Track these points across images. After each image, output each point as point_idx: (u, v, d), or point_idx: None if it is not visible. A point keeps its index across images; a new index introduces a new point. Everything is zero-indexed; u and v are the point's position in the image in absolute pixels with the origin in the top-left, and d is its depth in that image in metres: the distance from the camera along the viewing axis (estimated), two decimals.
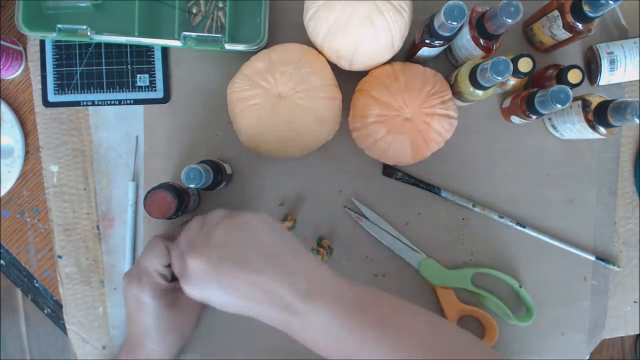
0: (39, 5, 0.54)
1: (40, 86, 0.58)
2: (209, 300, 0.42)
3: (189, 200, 0.53)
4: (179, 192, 0.51)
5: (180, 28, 0.54)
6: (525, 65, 0.51)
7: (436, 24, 0.47)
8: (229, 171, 0.56)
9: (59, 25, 0.53)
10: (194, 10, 0.54)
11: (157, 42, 0.54)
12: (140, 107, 0.59)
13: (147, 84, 0.58)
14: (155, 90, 0.58)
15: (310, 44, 0.53)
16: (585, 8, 0.48)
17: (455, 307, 0.58)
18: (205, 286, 0.41)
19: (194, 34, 0.53)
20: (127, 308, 0.52)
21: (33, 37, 0.56)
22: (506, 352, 0.59)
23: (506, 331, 0.59)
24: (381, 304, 0.42)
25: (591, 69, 0.59)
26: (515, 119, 0.57)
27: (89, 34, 0.53)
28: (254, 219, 0.43)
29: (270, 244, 0.42)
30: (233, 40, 0.54)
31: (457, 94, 0.53)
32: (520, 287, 0.58)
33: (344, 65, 0.53)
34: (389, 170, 0.59)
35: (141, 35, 0.54)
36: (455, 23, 0.44)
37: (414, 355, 0.40)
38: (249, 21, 0.55)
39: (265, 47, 0.54)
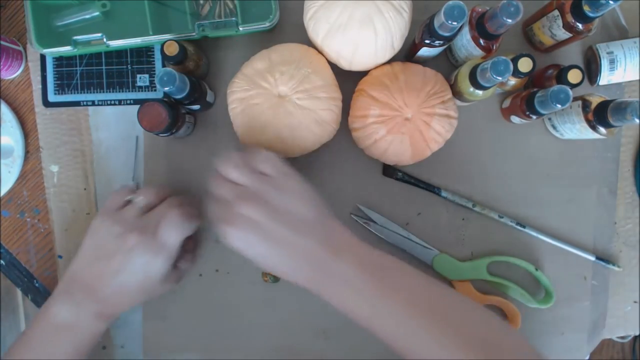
0: (49, 23, 0.54)
1: (40, 86, 0.58)
2: (248, 249, 0.44)
3: (182, 124, 0.53)
4: (175, 113, 0.51)
5: (192, 19, 0.54)
6: (525, 65, 0.51)
7: (436, 24, 0.47)
8: (210, 99, 0.56)
9: (75, 37, 0.53)
10: (202, 0, 0.54)
11: (173, 37, 0.54)
12: None
13: (147, 84, 0.58)
14: (155, 90, 0.58)
15: (310, 44, 0.53)
16: (585, 8, 0.48)
17: (475, 299, 0.58)
18: (251, 235, 0.43)
19: (207, 22, 0.53)
20: (120, 261, 0.48)
21: (49, 55, 0.55)
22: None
23: None
24: (397, 269, 0.45)
25: (591, 69, 0.59)
26: (515, 119, 0.57)
27: (105, 41, 0.53)
28: (302, 188, 0.47)
29: (313, 213, 0.45)
30: (245, 22, 0.54)
31: (457, 94, 0.53)
32: (537, 269, 0.58)
33: (344, 65, 0.53)
34: (389, 170, 0.59)
35: (155, 33, 0.54)
36: (455, 23, 0.44)
37: (423, 319, 0.42)
38: (257, 2, 0.55)
39: (276, 26, 0.55)
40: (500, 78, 0.45)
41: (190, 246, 0.57)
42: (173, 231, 0.49)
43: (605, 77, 0.57)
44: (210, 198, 0.46)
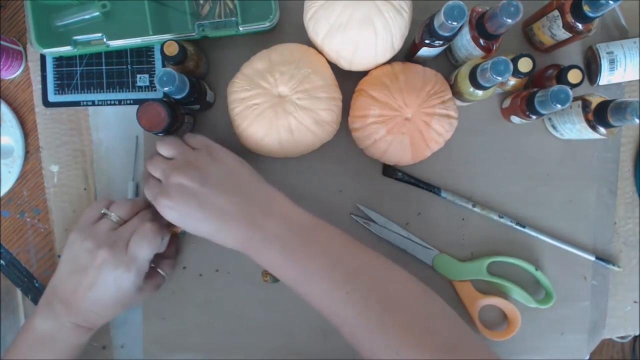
0: (49, 23, 0.54)
1: (40, 86, 0.58)
2: (183, 218, 0.46)
3: (182, 124, 0.53)
4: (174, 113, 0.51)
5: (192, 19, 0.54)
6: (525, 65, 0.51)
7: (436, 24, 0.47)
8: (210, 99, 0.57)
9: (75, 37, 0.53)
10: (202, 0, 0.54)
11: (172, 37, 0.54)
12: None
13: (147, 84, 0.58)
14: (155, 90, 0.58)
15: (310, 44, 0.53)
16: (585, 8, 0.48)
17: (475, 298, 0.58)
18: (185, 203, 0.45)
19: (207, 22, 0.53)
20: (93, 275, 0.48)
21: (49, 55, 0.55)
22: (506, 352, 0.59)
23: None
24: (325, 230, 0.48)
25: (591, 69, 0.59)
26: (515, 119, 0.57)
27: (105, 41, 0.53)
28: (232, 157, 0.49)
29: (245, 179, 0.48)
30: (245, 22, 0.54)
31: (457, 94, 0.53)
32: (537, 269, 0.58)
33: (344, 65, 0.53)
34: (389, 170, 0.59)
35: (155, 33, 0.54)
36: (455, 23, 0.44)
37: (355, 288, 0.44)
38: (257, 2, 0.55)
39: (276, 26, 0.55)
40: (500, 78, 0.45)
41: (171, 252, 0.57)
42: (144, 246, 0.49)
43: (605, 77, 0.57)
44: (146, 179, 0.49)
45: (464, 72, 0.50)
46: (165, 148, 0.49)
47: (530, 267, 0.58)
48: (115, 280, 0.48)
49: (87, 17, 0.53)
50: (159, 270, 0.56)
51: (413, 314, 0.43)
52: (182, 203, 0.45)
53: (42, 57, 0.58)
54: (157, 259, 0.55)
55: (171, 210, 0.46)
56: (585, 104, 0.52)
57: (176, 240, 0.58)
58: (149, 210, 0.53)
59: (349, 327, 0.44)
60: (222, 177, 0.47)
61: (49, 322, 0.50)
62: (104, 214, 0.52)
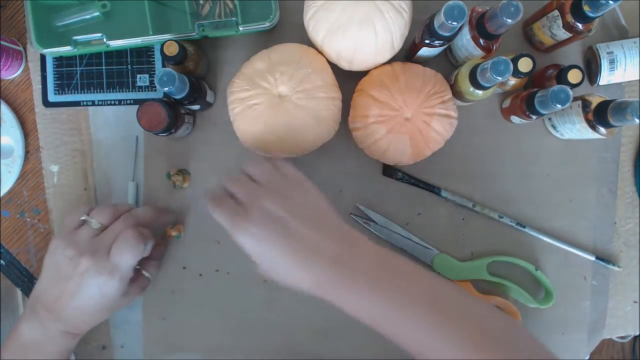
0: (49, 23, 0.54)
1: (40, 86, 0.58)
2: (263, 247, 0.42)
3: (181, 124, 0.53)
4: (174, 113, 0.51)
5: (192, 19, 0.54)
6: (525, 65, 0.51)
7: (436, 24, 0.47)
8: (210, 99, 0.56)
9: (75, 37, 0.53)
10: (202, 0, 0.54)
11: (172, 37, 0.54)
12: None
13: (147, 84, 0.58)
14: (155, 90, 0.58)
15: (310, 44, 0.53)
16: (585, 8, 0.48)
17: None
18: (270, 230, 0.41)
19: (207, 22, 0.53)
20: (76, 284, 0.48)
21: (49, 55, 0.55)
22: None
23: None
24: (411, 271, 0.43)
25: (591, 69, 0.59)
26: (515, 119, 0.57)
27: (105, 41, 0.53)
28: (319, 192, 0.46)
29: (330, 216, 0.44)
30: (245, 22, 0.54)
31: (457, 94, 0.53)
32: (537, 269, 0.58)
33: (344, 65, 0.53)
34: (389, 170, 0.59)
35: (155, 33, 0.54)
36: (455, 23, 0.44)
37: (437, 319, 0.41)
38: (257, 2, 0.55)
39: (276, 26, 0.55)
40: (500, 78, 0.45)
41: (158, 254, 0.57)
42: (126, 253, 0.48)
43: (605, 77, 0.57)
44: (219, 198, 0.45)
45: (464, 72, 0.50)
46: (256, 169, 0.46)
47: (530, 267, 0.58)
48: (99, 288, 0.48)
49: (87, 17, 0.53)
50: (144, 272, 0.55)
51: (506, 346, 0.41)
52: (265, 230, 0.41)
53: (42, 57, 0.58)
54: (143, 261, 0.54)
55: (250, 238, 0.42)
56: (585, 104, 0.52)
57: (166, 242, 0.58)
58: (131, 214, 0.52)
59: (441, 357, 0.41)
60: (310, 210, 0.43)
61: (34, 328, 0.49)
62: (85, 221, 0.51)
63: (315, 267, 0.41)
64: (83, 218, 0.51)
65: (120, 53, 0.58)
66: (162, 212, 0.56)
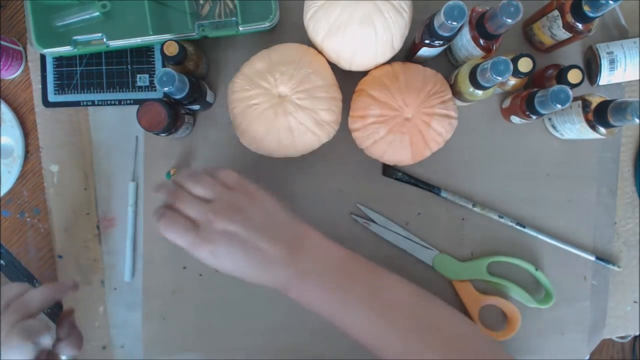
0: (49, 23, 0.54)
1: (40, 86, 0.58)
2: (225, 264, 0.44)
3: (181, 124, 0.53)
4: (174, 113, 0.51)
5: (192, 19, 0.54)
6: (525, 65, 0.51)
7: (436, 24, 0.47)
8: (210, 99, 0.57)
9: (75, 37, 0.53)
10: (202, 0, 0.54)
11: (172, 37, 0.54)
12: None
13: (147, 84, 0.58)
14: (155, 90, 0.58)
15: (310, 44, 0.53)
16: (585, 8, 0.48)
17: (475, 299, 0.58)
18: (231, 250, 0.43)
19: (207, 22, 0.53)
20: None
21: (49, 55, 0.55)
22: (506, 352, 0.59)
23: None
24: (362, 266, 0.47)
25: (591, 69, 0.59)
26: (515, 119, 0.57)
27: (105, 41, 0.53)
28: (267, 196, 0.47)
29: (281, 218, 0.46)
30: (245, 22, 0.54)
31: (457, 94, 0.53)
32: (537, 270, 0.58)
33: (344, 65, 0.53)
34: (389, 170, 0.59)
35: (155, 33, 0.54)
36: (455, 23, 0.44)
37: (390, 317, 0.44)
38: (257, 2, 0.55)
39: (276, 26, 0.55)
40: (500, 78, 0.45)
41: (65, 333, 0.47)
42: (12, 356, 0.40)
43: (605, 77, 0.57)
44: (167, 216, 0.44)
45: (464, 72, 0.50)
46: (200, 187, 0.45)
47: (530, 267, 0.58)
48: None
49: (87, 17, 0.53)
50: (62, 358, 0.47)
51: (450, 334, 0.44)
52: (228, 250, 0.43)
53: (42, 57, 0.58)
54: (55, 344, 0.45)
55: (211, 254, 0.43)
56: (585, 104, 0.52)
57: (71, 318, 0.49)
58: (21, 304, 0.43)
59: (392, 355, 0.43)
60: (262, 219, 0.45)
61: None
62: None
63: (274, 272, 0.44)
64: None
65: (120, 53, 0.58)
66: (59, 288, 0.46)
